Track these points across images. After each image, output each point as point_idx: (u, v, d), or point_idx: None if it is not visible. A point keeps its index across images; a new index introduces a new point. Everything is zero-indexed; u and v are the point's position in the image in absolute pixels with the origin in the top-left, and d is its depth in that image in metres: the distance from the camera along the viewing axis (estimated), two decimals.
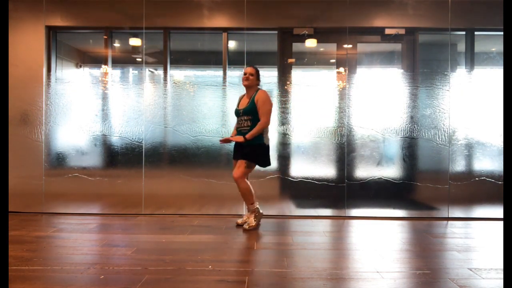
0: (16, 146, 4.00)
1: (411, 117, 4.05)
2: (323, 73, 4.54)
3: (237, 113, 3.49)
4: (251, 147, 3.36)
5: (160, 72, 4.33)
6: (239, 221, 3.55)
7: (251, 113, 3.38)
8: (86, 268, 2.37)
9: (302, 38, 4.20)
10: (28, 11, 4.08)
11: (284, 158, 4.09)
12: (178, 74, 4.42)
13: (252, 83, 3.44)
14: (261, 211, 3.50)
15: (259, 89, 3.48)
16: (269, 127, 3.50)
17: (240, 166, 3.35)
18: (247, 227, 3.40)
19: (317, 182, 4.05)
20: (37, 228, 3.43)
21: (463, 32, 4.20)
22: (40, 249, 2.77)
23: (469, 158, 4.07)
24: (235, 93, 4.09)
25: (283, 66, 4.20)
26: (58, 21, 4.13)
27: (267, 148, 3.41)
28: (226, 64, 4.19)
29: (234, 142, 3.48)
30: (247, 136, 3.32)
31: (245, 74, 3.45)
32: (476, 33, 4.17)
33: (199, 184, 4.06)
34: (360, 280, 2.23)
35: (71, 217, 3.84)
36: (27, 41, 4.08)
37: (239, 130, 3.44)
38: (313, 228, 3.45)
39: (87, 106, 4.13)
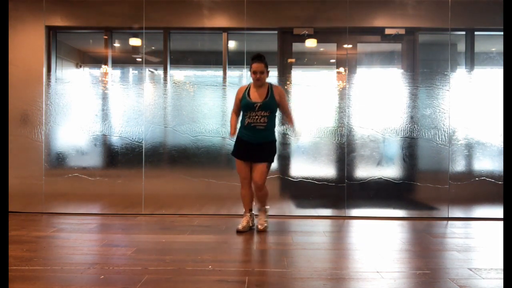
0: (16, 146, 4.00)
1: (411, 117, 4.05)
2: (323, 73, 4.55)
3: (252, 106, 3.18)
4: (271, 146, 3.26)
5: (160, 72, 4.33)
6: (260, 227, 3.31)
7: (269, 109, 3.18)
8: (86, 268, 2.37)
9: (302, 38, 4.20)
10: (28, 11, 4.08)
11: (284, 158, 4.09)
12: (178, 74, 4.42)
13: (264, 79, 3.25)
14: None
15: (270, 83, 3.30)
16: None
17: (263, 171, 3.20)
18: (262, 228, 3.31)
19: (317, 182, 4.05)
20: (37, 228, 3.43)
21: (463, 32, 4.20)
22: (40, 249, 2.77)
23: (469, 158, 4.07)
24: (235, 93, 4.08)
25: (283, 66, 4.20)
26: (58, 21, 4.13)
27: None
28: (226, 64, 4.19)
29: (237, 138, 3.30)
30: (293, 122, 3.35)
31: (255, 73, 3.18)
32: (476, 33, 4.17)
33: (199, 184, 4.06)
34: (360, 280, 2.23)
35: (71, 217, 3.83)
36: (27, 41, 4.08)
37: (252, 126, 3.18)
38: (313, 228, 3.45)
39: (87, 106, 4.13)
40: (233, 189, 4.02)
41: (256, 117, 3.18)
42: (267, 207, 3.47)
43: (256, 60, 3.20)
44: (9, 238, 2.93)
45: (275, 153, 3.32)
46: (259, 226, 3.32)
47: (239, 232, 3.26)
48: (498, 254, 2.72)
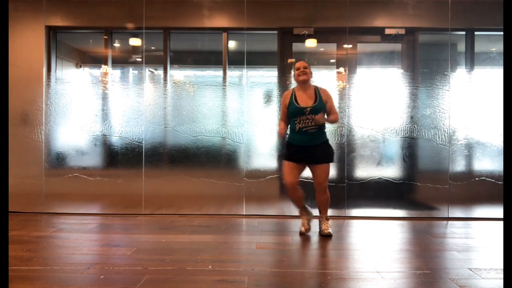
0: (16, 146, 4.00)
1: (411, 117, 4.05)
2: (323, 73, 4.55)
3: (301, 111, 3.09)
4: (327, 146, 3.18)
5: (160, 72, 4.33)
6: (326, 231, 3.21)
7: (319, 112, 3.08)
8: (86, 268, 2.37)
9: (302, 38, 4.20)
10: (28, 11, 4.08)
11: None
12: (178, 74, 4.42)
13: (309, 76, 3.17)
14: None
15: (316, 86, 3.23)
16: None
17: (327, 172, 3.14)
18: (328, 232, 3.21)
19: None
20: (37, 228, 3.43)
21: (463, 32, 4.20)
22: (40, 249, 2.77)
23: (469, 158, 4.06)
24: (235, 93, 4.09)
25: (283, 66, 4.20)
26: (58, 21, 4.13)
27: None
28: (226, 64, 4.19)
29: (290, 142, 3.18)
30: (330, 119, 3.18)
31: (298, 69, 3.14)
32: (476, 33, 4.17)
33: (199, 184, 4.06)
34: (360, 280, 2.23)
35: (71, 217, 3.84)
36: (27, 41, 4.08)
37: (304, 131, 3.09)
38: (313, 228, 3.45)
39: (87, 106, 4.13)
40: (233, 189, 4.02)
41: (307, 120, 3.09)
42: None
43: (298, 59, 3.25)
44: (9, 238, 2.93)
45: (334, 153, 3.24)
46: (326, 231, 3.20)
47: (302, 234, 3.22)
48: (498, 254, 2.72)
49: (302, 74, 3.13)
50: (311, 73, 3.21)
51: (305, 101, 3.13)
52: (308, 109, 3.08)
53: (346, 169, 4.04)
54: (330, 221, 3.32)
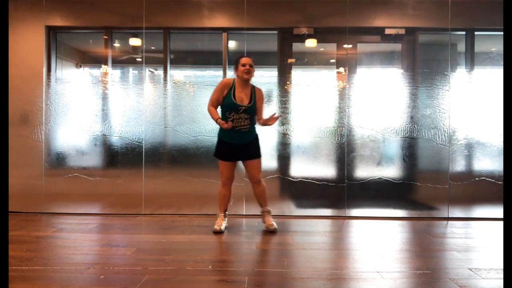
0: (16, 146, 4.00)
1: (411, 117, 4.05)
2: (323, 73, 4.55)
3: (236, 108, 3.14)
4: (257, 142, 3.29)
5: (160, 72, 4.33)
6: (271, 227, 3.27)
7: (251, 113, 3.19)
8: (86, 268, 2.37)
9: (302, 38, 4.20)
10: (28, 11, 4.08)
11: (284, 158, 4.09)
12: (178, 74, 4.42)
13: (252, 75, 3.20)
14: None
15: (253, 85, 3.27)
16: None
17: (259, 166, 3.28)
18: (273, 228, 3.28)
19: (317, 182, 4.05)
20: (37, 228, 3.43)
21: (463, 32, 4.20)
22: (40, 249, 2.77)
23: (469, 158, 4.06)
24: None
25: (283, 66, 4.20)
26: (58, 21, 4.13)
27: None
28: (226, 64, 4.18)
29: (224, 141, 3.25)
30: (262, 121, 3.23)
31: (244, 65, 3.13)
32: (476, 33, 4.17)
33: (199, 184, 4.06)
34: (360, 280, 2.23)
35: (71, 217, 3.84)
36: (27, 41, 4.08)
37: (237, 130, 3.16)
38: (313, 228, 3.45)
39: (87, 106, 4.13)
40: (233, 189, 4.00)
41: (240, 119, 3.15)
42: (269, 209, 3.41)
43: (243, 56, 3.25)
44: (9, 238, 2.93)
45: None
46: (270, 227, 3.28)
47: (217, 232, 3.23)
48: (498, 254, 2.72)
49: (247, 73, 3.15)
50: (254, 71, 3.23)
51: (241, 99, 3.17)
52: (243, 108, 3.14)
53: (346, 169, 4.04)
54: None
